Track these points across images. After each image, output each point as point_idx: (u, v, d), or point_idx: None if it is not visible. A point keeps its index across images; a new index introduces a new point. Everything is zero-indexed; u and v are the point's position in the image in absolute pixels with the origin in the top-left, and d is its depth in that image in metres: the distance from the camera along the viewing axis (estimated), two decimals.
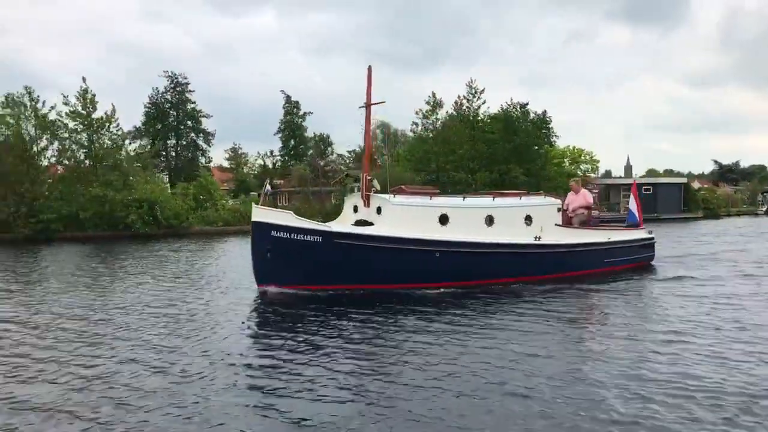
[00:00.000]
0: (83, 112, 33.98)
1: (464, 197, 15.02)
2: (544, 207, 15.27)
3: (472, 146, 44.37)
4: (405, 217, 13.46)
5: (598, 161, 58.61)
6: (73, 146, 33.99)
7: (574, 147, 57.15)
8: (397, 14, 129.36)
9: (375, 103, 14.71)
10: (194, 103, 63.31)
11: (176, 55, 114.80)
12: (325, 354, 8.20)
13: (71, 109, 33.75)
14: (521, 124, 47.70)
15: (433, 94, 45.74)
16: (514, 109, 48.78)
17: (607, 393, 6.52)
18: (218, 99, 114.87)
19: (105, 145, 34.52)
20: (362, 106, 14.83)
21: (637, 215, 18.27)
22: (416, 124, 47.72)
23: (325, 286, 12.96)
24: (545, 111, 50.99)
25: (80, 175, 33.29)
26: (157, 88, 62.21)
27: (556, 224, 15.28)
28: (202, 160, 64.22)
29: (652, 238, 17.82)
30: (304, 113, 70.01)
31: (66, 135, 33.65)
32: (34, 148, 32.88)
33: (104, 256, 22.73)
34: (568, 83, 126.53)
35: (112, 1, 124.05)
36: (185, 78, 62.52)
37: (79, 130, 33.86)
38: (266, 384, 6.97)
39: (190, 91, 62.92)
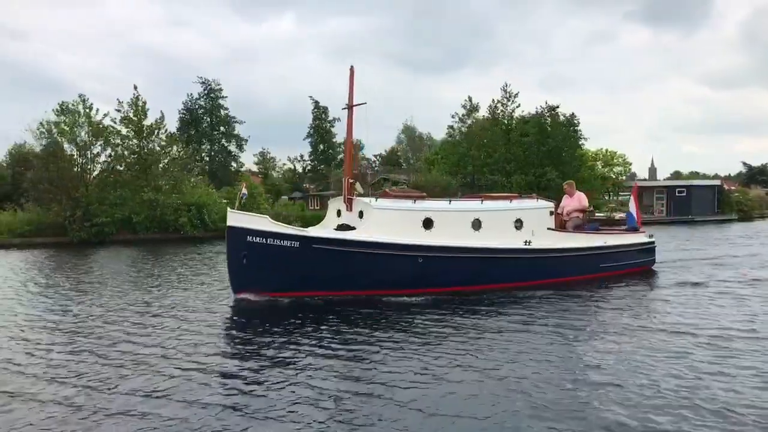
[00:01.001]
0: (134, 118, 35.11)
1: (450, 201, 14.71)
2: (535, 210, 14.76)
3: (507, 149, 44.87)
4: (387, 221, 13.09)
5: (630, 164, 58.67)
6: (125, 152, 35.03)
7: (606, 150, 57.35)
8: (417, 18, 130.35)
9: (357, 104, 14.40)
10: (227, 109, 64.47)
11: (199, 61, 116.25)
12: (302, 366, 7.93)
13: (123, 116, 34.89)
14: (554, 128, 48.09)
15: (469, 99, 46.49)
16: (546, 113, 49.21)
17: (597, 403, 6.42)
18: (241, 104, 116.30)
19: (155, 151, 35.63)
20: (345, 108, 14.56)
21: (636, 218, 17.66)
22: (452, 127, 48.30)
23: (304, 292, 12.63)
24: (573, 113, 51.49)
25: (132, 180, 34.29)
26: (191, 94, 63.46)
27: (548, 228, 14.81)
28: (234, 165, 65.23)
29: (652, 242, 17.27)
30: (333, 119, 70.85)
31: (118, 141, 34.69)
32: (88, 154, 33.88)
33: (154, 258, 23.46)
34: (589, 85, 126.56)
35: (137, 8, 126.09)
36: (218, 84, 63.70)
37: (130, 136, 34.96)
38: (238, 401, 6.64)
39: (223, 97, 64.06)
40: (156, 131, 35.95)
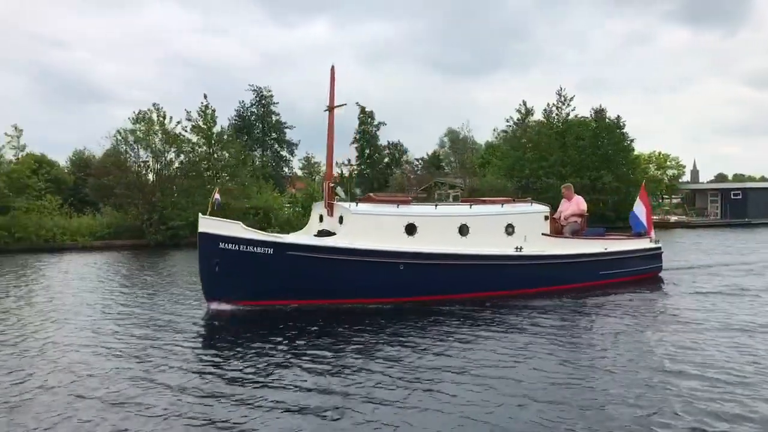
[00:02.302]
0: (204, 126, 36.53)
1: (436, 205, 14.14)
2: (528, 215, 14.26)
3: (563, 153, 45.22)
4: (367, 226, 12.65)
5: (683, 166, 58.33)
6: (197, 158, 36.45)
7: (659, 152, 57.15)
8: (451, 21, 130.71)
9: (338, 106, 14.09)
10: (278, 114, 65.90)
11: (235, 68, 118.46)
12: (276, 378, 7.70)
13: (194, 124, 36.38)
14: (607, 131, 48.25)
15: (524, 103, 47.04)
16: (594, 115, 49.42)
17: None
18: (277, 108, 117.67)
19: (224, 158, 37.02)
20: (326, 110, 14.26)
21: (644, 222, 16.58)
22: (506, 132, 48.77)
23: (279, 301, 12.26)
24: (618, 116, 51.51)
25: (204, 185, 35.67)
26: (243, 101, 65.08)
27: (542, 233, 14.30)
28: (286, 169, 66.65)
29: (659, 248, 16.51)
30: (379, 123, 71.79)
31: (189, 148, 36.11)
32: (163, 160, 35.34)
33: None
34: (627, 87, 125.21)
35: (174, 16, 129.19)
36: (269, 91, 65.18)
37: (201, 143, 36.39)
38: (208, 415, 6.47)
39: (274, 103, 65.51)
40: (224, 138, 37.35)
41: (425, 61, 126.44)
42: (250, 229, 12.44)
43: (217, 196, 13.47)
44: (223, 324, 11.45)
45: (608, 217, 45.96)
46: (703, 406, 6.56)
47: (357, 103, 72.38)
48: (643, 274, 15.96)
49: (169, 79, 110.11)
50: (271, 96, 65.20)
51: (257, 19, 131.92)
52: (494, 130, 71.82)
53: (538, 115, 48.70)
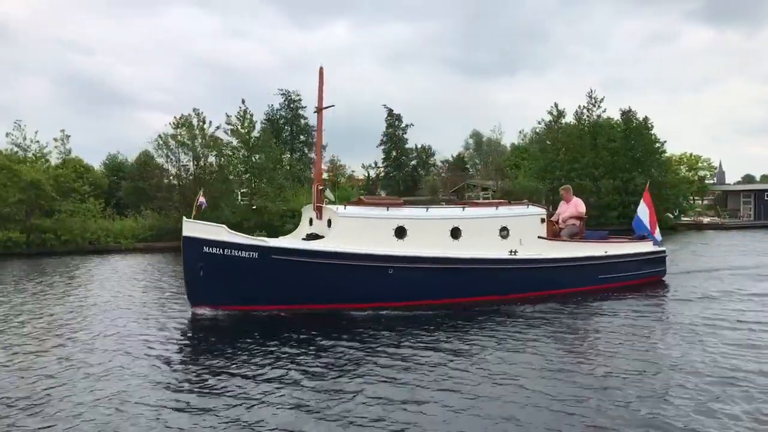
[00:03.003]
0: (242, 131, 37.30)
1: (428, 208, 13.76)
2: (523, 218, 13.81)
3: (595, 154, 45.29)
4: (356, 229, 12.38)
5: (715, 168, 57.91)
6: (236, 162, 37.23)
7: (691, 154, 56.88)
8: (470, 22, 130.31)
9: (326, 107, 13.97)
10: (306, 118, 66.58)
11: (256, 70, 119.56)
12: (262, 385, 7.49)
13: (232, 129, 37.15)
14: (637, 132, 48.21)
15: (555, 105, 47.15)
16: (622, 116, 49.39)
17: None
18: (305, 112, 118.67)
19: (262, 161, 37.77)
20: (315, 111, 14.17)
21: (647, 225, 15.98)
22: (537, 133, 48.95)
23: (264, 306, 12.04)
24: (646, 117, 51.30)
25: (240, 187, 36.48)
26: (272, 105, 65.90)
27: (539, 237, 13.85)
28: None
29: (662, 252, 15.98)
30: (406, 125, 72.24)
31: (229, 152, 36.88)
32: (203, 164, 36.16)
33: None
34: (648, 87, 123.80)
35: (195, 20, 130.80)
36: (298, 95, 65.89)
37: (240, 147, 37.17)
38: (190, 424, 6.30)
39: (302, 107, 66.22)
40: (260, 142, 38.10)
41: (445, 62, 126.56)
42: (234, 232, 12.19)
43: (202, 198, 13.31)
44: (203, 330, 11.12)
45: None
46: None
47: (384, 105, 73.11)
48: (645, 278, 15.39)
49: (190, 82, 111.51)
50: (300, 99, 65.92)
51: (277, 21, 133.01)
52: (520, 132, 71.98)
53: (569, 117, 48.75)
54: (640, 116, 49.16)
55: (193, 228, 11.86)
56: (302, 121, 66.12)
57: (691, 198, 53.74)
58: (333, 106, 14.00)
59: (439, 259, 12.63)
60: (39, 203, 32.71)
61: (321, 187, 13.58)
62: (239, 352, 9.13)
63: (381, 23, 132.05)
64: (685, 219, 49.25)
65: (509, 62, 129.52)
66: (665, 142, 50.39)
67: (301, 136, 66.49)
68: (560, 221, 15.24)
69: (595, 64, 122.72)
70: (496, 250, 13.35)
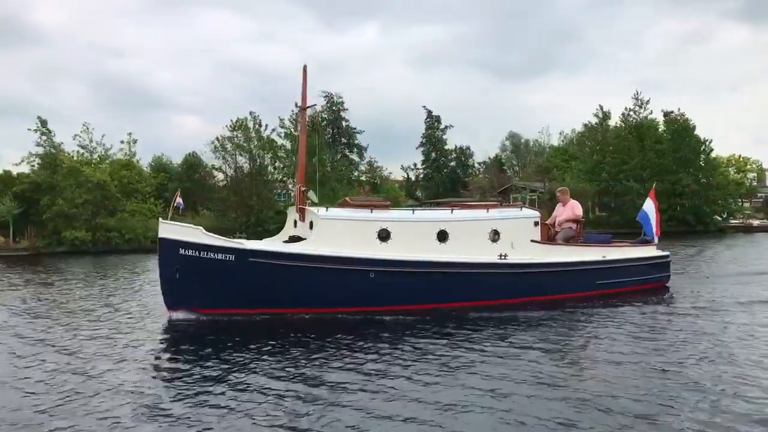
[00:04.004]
0: (296, 134, 38.24)
1: (414, 210, 13.50)
2: (515, 221, 13.30)
3: (642, 156, 45.30)
4: (336, 232, 12.00)
5: (766, 170, 57.15)
6: (290, 164, 38.24)
7: (739, 156, 56.31)
8: (501, 23, 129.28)
9: (309, 106, 13.62)
10: (347, 120, 67.46)
11: (287, 73, 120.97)
12: (236, 393, 7.15)
13: (286, 132, 38.17)
14: (678, 134, 48.03)
15: (600, 107, 47.27)
16: (667, 118, 49.20)
17: None
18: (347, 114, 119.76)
19: (314, 163, 38.65)
20: (299, 109, 13.80)
21: (653, 224, 15.27)
22: (583, 135, 49.07)
23: (242, 310, 11.67)
24: (688, 118, 50.87)
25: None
26: (315, 106, 66.96)
27: (532, 240, 13.30)
28: (356, 173, 68.15)
29: (666, 257, 15.25)
30: (445, 126, 72.68)
31: (283, 155, 37.90)
32: (259, 166, 37.24)
33: None
34: (684, 87, 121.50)
35: (227, 24, 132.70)
36: (340, 98, 66.79)
37: (295, 149, 38.12)
38: None
39: (344, 109, 67.08)
40: (315, 145, 38.95)
41: (475, 64, 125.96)
42: (211, 234, 11.82)
43: (179, 199, 13.09)
44: (179, 335, 10.86)
45: (688, 221, 45.76)
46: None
47: (423, 107, 73.67)
48: (647, 284, 14.73)
49: (223, 86, 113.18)
50: (342, 102, 66.77)
51: (308, 24, 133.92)
52: (560, 133, 71.95)
53: (613, 119, 48.83)
54: (681, 116, 49.07)
55: (168, 229, 11.53)
56: (344, 123, 67.00)
57: (740, 200, 53.16)
58: (315, 105, 13.85)
59: (422, 263, 12.12)
60: (104, 203, 34.05)
61: (304, 188, 13.25)
62: (212, 360, 8.71)
63: (411, 25, 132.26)
64: (734, 221, 48.79)
65: (541, 63, 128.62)
66: (711, 141, 50.19)
67: (343, 138, 67.38)
68: (556, 224, 14.60)
69: (630, 65, 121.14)
70: (486, 254, 12.81)
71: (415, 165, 75.88)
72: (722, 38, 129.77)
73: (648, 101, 48.01)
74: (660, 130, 49.22)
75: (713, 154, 52.10)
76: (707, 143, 49.37)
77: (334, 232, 12.01)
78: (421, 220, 12.79)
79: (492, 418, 6.28)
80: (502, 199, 51.93)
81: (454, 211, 13.36)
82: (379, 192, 58.08)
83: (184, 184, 49.67)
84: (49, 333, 10.83)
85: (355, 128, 67.26)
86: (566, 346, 9.52)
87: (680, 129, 48.39)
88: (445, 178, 71.80)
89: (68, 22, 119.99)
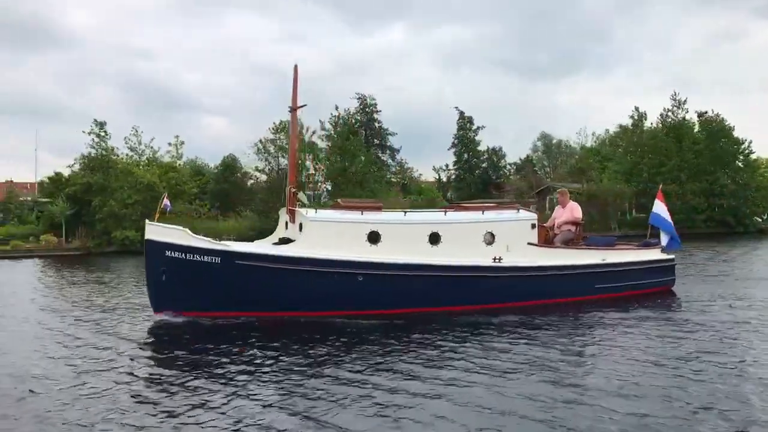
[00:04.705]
0: (335, 136, 39.10)
1: (405, 212, 13.26)
2: (511, 223, 13.00)
3: (680, 157, 45.19)
4: (326, 234, 11.84)
5: None
6: (331, 166, 39.04)
7: None
8: (527, 23, 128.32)
9: (300, 107, 13.58)
10: (380, 122, 68.11)
11: (314, 75, 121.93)
12: (224, 396, 6.98)
13: (326, 134, 39.04)
14: (715, 134, 47.74)
15: (636, 108, 47.30)
16: (701, 119, 48.94)
17: None
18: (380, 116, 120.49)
19: (356, 165, 39.50)
20: (290, 110, 13.84)
21: (668, 219, 14.91)
22: (617, 136, 49.08)
23: (228, 312, 11.53)
24: (722, 118, 50.34)
25: (338, 190, 38.24)
26: (348, 108, 67.75)
27: (528, 243, 13.00)
28: (389, 175, 68.75)
29: (671, 259, 14.73)
30: (478, 127, 72.91)
31: (325, 157, 38.71)
32: (300, 168, 38.06)
33: None
34: (715, 87, 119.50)
35: (253, 26, 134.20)
36: (373, 99, 67.45)
37: (335, 151, 39.00)
38: None
39: (377, 111, 67.73)
40: (352, 148, 39.79)
41: (502, 64, 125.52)
42: (197, 236, 11.74)
43: (166, 201, 13.02)
44: (165, 337, 10.82)
45: (728, 222, 45.48)
46: None
47: (456, 107, 73.98)
48: (650, 288, 14.19)
49: (250, 87, 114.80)
50: (375, 104, 67.40)
51: (334, 25, 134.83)
52: (592, 134, 71.69)
53: (653, 120, 48.75)
54: (716, 116, 48.71)
55: (155, 231, 11.53)
56: (376, 125, 67.65)
57: None
58: (305, 105, 13.72)
59: (410, 266, 11.88)
60: (153, 204, 35.07)
61: (294, 190, 13.13)
62: (194, 363, 8.59)
63: (437, 25, 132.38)
64: None
65: (568, 63, 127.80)
66: (750, 141, 49.74)
67: (376, 140, 68.04)
68: (555, 227, 14.32)
69: (659, 65, 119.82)
70: (480, 256, 12.52)
71: (446, 166, 76.27)
72: (753, 36, 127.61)
73: (685, 101, 47.86)
74: (696, 130, 48.98)
75: (753, 156, 51.70)
76: (746, 144, 48.98)
77: (323, 234, 11.89)
78: (411, 222, 12.61)
79: None
80: (537, 200, 52.15)
81: (447, 213, 13.28)
82: (412, 193, 58.52)
83: (222, 185, 50.85)
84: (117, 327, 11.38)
85: (387, 129, 68.02)
86: (554, 353, 8.83)
87: (716, 130, 48.09)
88: (477, 179, 71.99)
89: (98, 26, 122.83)
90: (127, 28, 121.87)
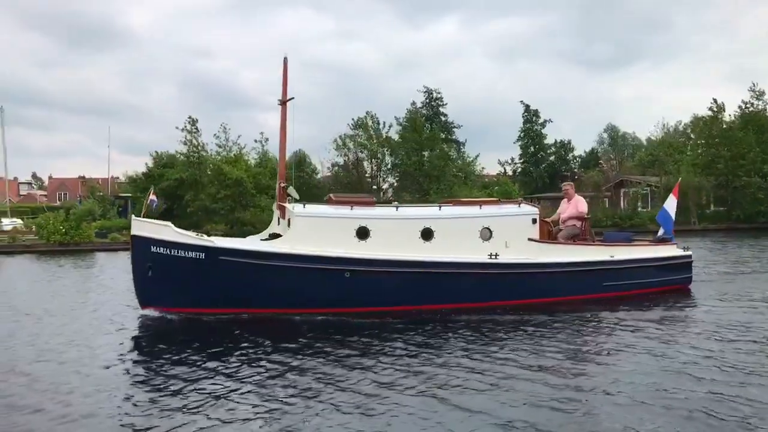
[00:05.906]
0: (414, 134, 40.13)
1: (397, 207, 12.79)
2: (509, 218, 12.49)
3: (762, 150, 44.21)
4: (312, 230, 11.57)
5: None
6: (408, 161, 40.13)
7: None
8: (585, 13, 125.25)
9: (289, 99, 13.37)
10: (446, 116, 68.63)
11: (370, 69, 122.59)
12: (206, 396, 6.66)
13: (402, 128, 40.06)
14: None
15: (715, 100, 46.40)
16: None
17: None
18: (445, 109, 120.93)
19: (434, 160, 40.48)
20: (279, 103, 13.53)
21: (673, 217, 14.47)
22: (694, 128, 48.33)
23: (213, 309, 11.34)
24: None
25: (413, 185, 39.34)
26: (414, 102, 68.66)
27: (529, 239, 12.44)
28: (454, 169, 69.42)
29: (688, 257, 13.95)
30: (545, 121, 72.64)
31: (403, 152, 39.81)
32: (378, 163, 39.35)
33: None
34: None
35: (308, 23, 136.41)
36: (439, 93, 68.01)
37: (414, 147, 40.05)
38: None
39: (443, 104, 68.27)
40: (431, 143, 40.74)
41: (559, 56, 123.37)
42: (182, 231, 11.61)
43: (152, 197, 12.79)
44: (150, 333, 10.79)
45: None
46: None
47: (521, 101, 73.87)
48: (664, 286, 13.55)
49: (306, 84, 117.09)
50: (441, 97, 67.92)
51: (388, 21, 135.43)
52: (664, 125, 70.36)
53: (732, 112, 47.69)
54: None
55: (141, 227, 11.49)
56: (442, 119, 68.24)
57: None
58: (293, 98, 13.41)
59: (399, 263, 11.52)
60: (240, 199, 37.08)
61: (284, 185, 12.90)
62: (176, 360, 8.40)
63: (492, 18, 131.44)
64: None
65: (627, 54, 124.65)
66: None
67: (442, 133, 68.74)
68: (560, 221, 13.79)
69: (722, 54, 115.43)
70: (475, 253, 12.03)
71: (512, 159, 76.30)
72: None
73: (764, 93, 46.62)
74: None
75: None
76: None
77: (311, 230, 11.60)
78: (403, 217, 12.13)
79: None
80: (612, 194, 51.77)
81: (441, 208, 12.73)
82: (488, 188, 58.89)
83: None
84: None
85: (452, 122, 68.43)
86: (546, 353, 8.39)
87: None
88: (543, 172, 71.71)
89: (157, 25, 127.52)
90: (186, 27, 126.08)
